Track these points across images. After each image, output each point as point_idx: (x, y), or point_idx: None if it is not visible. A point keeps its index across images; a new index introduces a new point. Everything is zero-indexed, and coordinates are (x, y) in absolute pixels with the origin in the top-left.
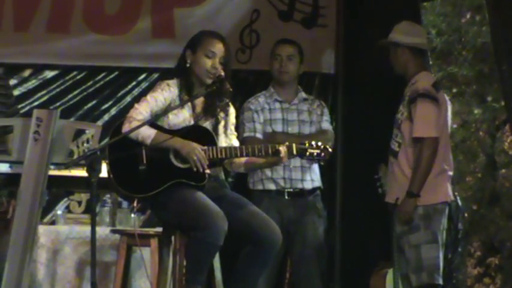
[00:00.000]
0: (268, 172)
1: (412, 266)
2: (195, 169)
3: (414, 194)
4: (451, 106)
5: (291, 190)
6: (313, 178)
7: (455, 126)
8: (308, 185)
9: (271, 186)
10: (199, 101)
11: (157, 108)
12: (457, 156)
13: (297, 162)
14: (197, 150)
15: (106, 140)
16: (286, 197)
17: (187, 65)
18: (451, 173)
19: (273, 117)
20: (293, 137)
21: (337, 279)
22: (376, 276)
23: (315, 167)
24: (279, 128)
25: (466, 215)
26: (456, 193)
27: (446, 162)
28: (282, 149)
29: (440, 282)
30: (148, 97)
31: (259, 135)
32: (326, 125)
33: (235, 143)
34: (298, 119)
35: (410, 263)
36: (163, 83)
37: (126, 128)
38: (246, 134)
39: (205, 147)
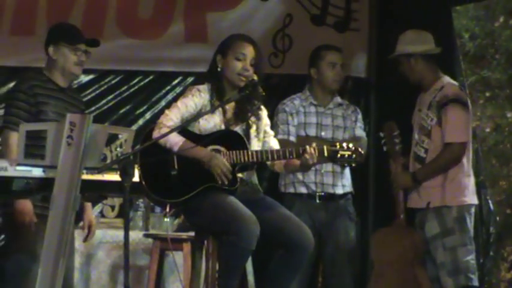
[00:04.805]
0: (299, 176)
1: (448, 269)
2: (219, 182)
3: (417, 180)
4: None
5: (322, 194)
6: (344, 183)
7: (488, 130)
8: (339, 190)
9: (303, 190)
10: (230, 106)
11: (187, 114)
12: (490, 160)
13: (328, 167)
14: (221, 164)
15: (138, 146)
16: (318, 201)
17: (219, 70)
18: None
19: (308, 121)
20: (326, 142)
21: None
22: None
23: (347, 172)
24: (312, 132)
25: (498, 218)
26: (488, 197)
27: (472, 166)
28: (309, 148)
29: (477, 284)
30: (179, 103)
31: (292, 138)
32: (359, 131)
33: (274, 143)
34: (332, 124)
35: (446, 266)
36: (193, 89)
37: (156, 134)
38: (279, 137)
39: (235, 151)
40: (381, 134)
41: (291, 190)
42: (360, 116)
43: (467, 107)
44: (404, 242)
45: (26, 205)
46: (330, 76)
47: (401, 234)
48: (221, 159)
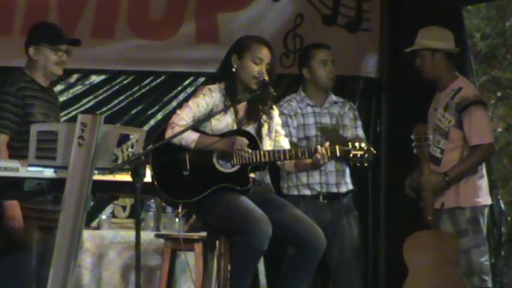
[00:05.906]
0: (303, 178)
1: (462, 271)
2: (239, 161)
3: (448, 179)
4: None
5: (326, 193)
6: (346, 181)
7: (499, 130)
8: (343, 189)
9: (307, 192)
10: (242, 106)
11: (199, 113)
12: (501, 160)
13: (331, 166)
14: (237, 141)
15: (150, 146)
16: (322, 200)
17: (233, 70)
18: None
19: (306, 122)
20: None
21: (382, 282)
22: None
23: (347, 170)
24: (312, 132)
25: (509, 218)
26: (499, 197)
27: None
28: (320, 148)
29: (491, 285)
30: (190, 103)
31: (294, 140)
32: (361, 131)
33: (285, 143)
34: (331, 123)
35: (460, 268)
36: (204, 88)
37: (168, 134)
38: None
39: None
40: (413, 137)
41: (295, 192)
42: (357, 113)
43: (487, 107)
44: (445, 246)
45: (16, 210)
46: (323, 74)
47: (440, 237)
48: (240, 139)
